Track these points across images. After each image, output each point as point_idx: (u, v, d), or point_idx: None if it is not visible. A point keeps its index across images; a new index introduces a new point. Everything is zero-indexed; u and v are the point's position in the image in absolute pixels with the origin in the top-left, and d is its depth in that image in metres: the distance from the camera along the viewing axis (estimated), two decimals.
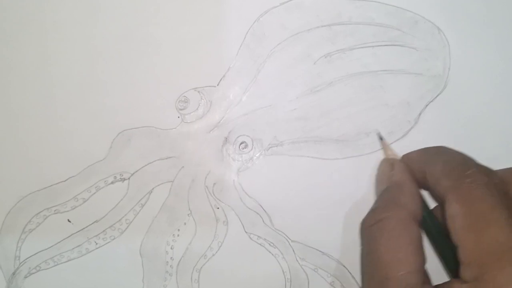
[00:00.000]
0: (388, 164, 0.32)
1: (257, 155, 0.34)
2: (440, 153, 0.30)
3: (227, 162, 0.34)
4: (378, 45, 0.34)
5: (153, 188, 0.34)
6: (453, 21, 0.34)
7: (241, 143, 0.34)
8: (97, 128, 0.34)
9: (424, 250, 0.28)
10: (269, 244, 0.33)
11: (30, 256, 0.34)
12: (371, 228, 0.29)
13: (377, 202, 0.30)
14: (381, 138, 0.33)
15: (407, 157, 0.32)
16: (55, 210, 0.34)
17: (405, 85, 0.33)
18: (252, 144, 0.34)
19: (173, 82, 0.34)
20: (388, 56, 0.33)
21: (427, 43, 0.34)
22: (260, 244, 0.33)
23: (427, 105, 0.33)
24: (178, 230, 0.34)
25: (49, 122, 0.34)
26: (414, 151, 0.31)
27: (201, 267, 0.33)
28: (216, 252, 0.33)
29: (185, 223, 0.34)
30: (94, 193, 0.34)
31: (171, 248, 0.34)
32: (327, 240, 0.33)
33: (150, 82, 0.34)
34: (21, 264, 0.33)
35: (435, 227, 0.29)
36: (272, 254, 0.33)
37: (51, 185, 0.34)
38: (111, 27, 0.34)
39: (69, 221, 0.34)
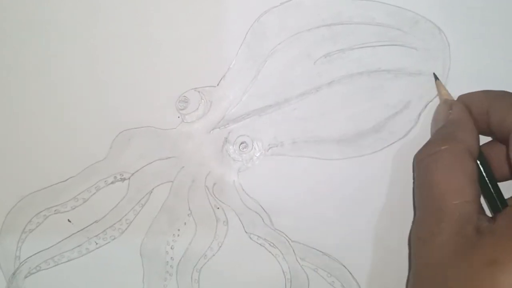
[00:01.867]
0: (446, 105, 0.31)
1: (257, 155, 0.34)
2: (504, 92, 0.30)
3: (227, 162, 0.34)
4: (378, 45, 0.33)
5: (153, 188, 0.34)
6: (453, 21, 0.34)
7: (241, 143, 0.34)
8: (97, 128, 0.34)
9: (478, 185, 0.28)
10: (269, 244, 0.33)
11: (30, 256, 0.34)
12: (425, 160, 0.29)
13: (432, 137, 0.30)
14: (436, 78, 0.33)
15: (466, 97, 0.31)
16: (55, 210, 0.34)
17: (405, 85, 0.33)
18: (252, 144, 0.34)
19: (173, 82, 0.34)
20: (388, 56, 0.33)
21: (427, 43, 0.33)
22: (260, 244, 0.33)
23: (427, 105, 0.33)
24: (178, 230, 0.34)
25: (49, 122, 0.34)
26: (473, 92, 0.31)
27: (201, 267, 0.33)
28: (216, 252, 0.33)
29: (185, 223, 0.34)
30: (94, 193, 0.34)
31: (171, 248, 0.34)
32: (327, 240, 0.33)
33: (150, 82, 0.34)
34: (21, 264, 0.33)
35: (487, 167, 0.29)
36: (272, 254, 0.33)
37: (51, 185, 0.34)
38: (111, 27, 0.34)
39: (69, 221, 0.34)
